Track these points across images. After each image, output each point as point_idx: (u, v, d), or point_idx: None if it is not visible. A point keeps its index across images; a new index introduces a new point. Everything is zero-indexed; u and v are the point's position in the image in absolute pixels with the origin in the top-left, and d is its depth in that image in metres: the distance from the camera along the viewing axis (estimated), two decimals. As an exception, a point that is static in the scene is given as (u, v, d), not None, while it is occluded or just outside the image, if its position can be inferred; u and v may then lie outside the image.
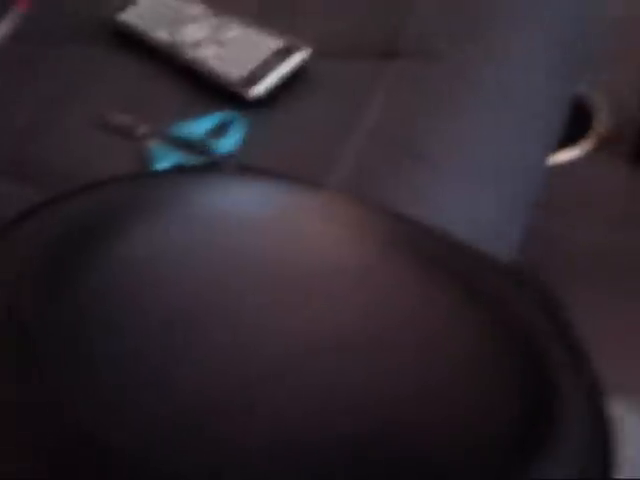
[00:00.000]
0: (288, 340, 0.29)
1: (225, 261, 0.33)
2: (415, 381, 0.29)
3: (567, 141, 1.20)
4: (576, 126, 1.23)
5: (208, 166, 0.50)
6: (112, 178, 0.37)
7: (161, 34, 0.65)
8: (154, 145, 0.58)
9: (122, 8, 0.68)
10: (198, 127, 0.58)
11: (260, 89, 0.58)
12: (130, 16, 0.68)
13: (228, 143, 0.57)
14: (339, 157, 0.54)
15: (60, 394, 0.24)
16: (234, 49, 0.62)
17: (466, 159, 0.51)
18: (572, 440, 0.28)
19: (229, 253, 0.33)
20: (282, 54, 0.60)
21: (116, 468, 0.22)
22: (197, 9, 0.66)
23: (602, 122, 1.23)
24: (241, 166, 0.38)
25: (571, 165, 1.20)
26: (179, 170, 0.40)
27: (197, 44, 0.63)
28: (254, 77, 0.59)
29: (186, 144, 0.58)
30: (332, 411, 0.27)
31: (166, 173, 0.39)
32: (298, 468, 0.25)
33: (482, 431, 0.28)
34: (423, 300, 0.33)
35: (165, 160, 0.57)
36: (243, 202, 0.36)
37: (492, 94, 0.55)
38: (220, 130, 0.58)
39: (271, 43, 0.61)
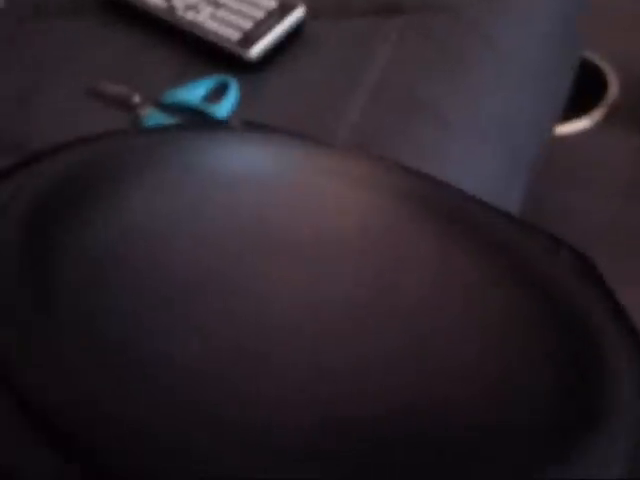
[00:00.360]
0: (295, 309, 0.28)
1: (231, 223, 0.31)
2: (444, 353, 0.27)
3: (578, 111, 1.17)
4: (587, 96, 1.20)
5: (214, 123, 0.47)
6: (109, 132, 0.35)
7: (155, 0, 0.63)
8: (148, 113, 0.57)
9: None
10: (193, 93, 0.56)
11: (256, 51, 0.56)
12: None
13: (224, 108, 0.55)
14: (341, 117, 0.52)
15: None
16: (228, 10, 0.60)
17: (474, 114, 0.49)
18: (623, 414, 0.25)
19: (236, 214, 0.32)
20: (277, 14, 0.57)
21: (115, 437, 0.21)
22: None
23: (613, 92, 1.21)
24: (248, 123, 0.36)
25: (582, 135, 1.18)
26: (183, 127, 0.38)
27: (191, 7, 0.61)
28: (249, 39, 0.57)
29: (181, 110, 0.56)
30: (354, 388, 0.26)
31: (170, 129, 0.37)
32: (315, 447, 0.23)
33: (519, 408, 0.26)
34: (445, 260, 0.31)
35: (160, 127, 0.55)
36: (250, 160, 0.34)
37: (501, 48, 0.52)
38: (216, 95, 0.56)
39: (265, 3, 0.59)
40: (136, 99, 0.58)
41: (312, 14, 0.58)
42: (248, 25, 0.58)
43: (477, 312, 0.29)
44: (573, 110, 1.19)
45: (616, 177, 1.14)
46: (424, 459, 0.24)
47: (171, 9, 0.62)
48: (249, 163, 0.34)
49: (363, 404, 0.25)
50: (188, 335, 0.26)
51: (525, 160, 0.56)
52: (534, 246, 0.33)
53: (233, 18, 0.59)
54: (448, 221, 0.33)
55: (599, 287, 0.31)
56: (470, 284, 0.30)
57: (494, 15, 0.54)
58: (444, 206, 0.34)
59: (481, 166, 0.51)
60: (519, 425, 0.25)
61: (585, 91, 1.22)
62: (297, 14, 0.57)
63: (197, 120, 0.52)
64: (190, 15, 0.61)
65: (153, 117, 0.56)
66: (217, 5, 0.60)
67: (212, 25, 0.59)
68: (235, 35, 0.57)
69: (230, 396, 0.24)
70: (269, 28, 0.57)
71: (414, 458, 0.24)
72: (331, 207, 0.33)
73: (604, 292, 0.31)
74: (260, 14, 0.58)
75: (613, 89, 1.22)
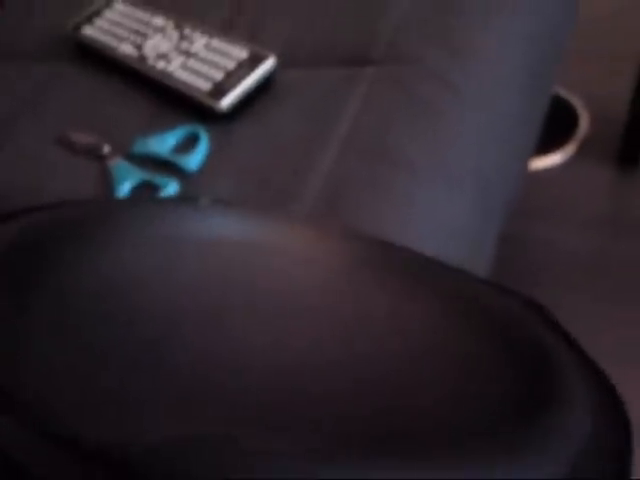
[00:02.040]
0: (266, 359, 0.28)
1: (196, 284, 0.32)
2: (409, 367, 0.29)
3: (549, 146, 1.19)
4: (558, 131, 1.22)
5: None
6: (74, 201, 0.36)
7: (125, 47, 0.63)
8: (117, 164, 0.56)
9: (85, 22, 0.66)
10: (162, 143, 0.56)
11: (227, 102, 0.56)
12: (93, 30, 0.66)
13: (195, 159, 0.55)
14: (313, 167, 0.52)
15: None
16: (199, 61, 0.59)
17: (444, 164, 0.49)
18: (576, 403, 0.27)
19: (201, 275, 0.32)
20: (248, 64, 0.57)
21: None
22: (161, 20, 0.64)
23: (584, 126, 1.23)
24: (216, 200, 0.37)
25: (554, 170, 1.19)
26: (152, 200, 0.39)
27: (162, 56, 0.61)
28: (220, 90, 0.57)
29: (150, 162, 0.56)
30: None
31: (139, 201, 0.38)
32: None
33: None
34: (401, 312, 0.33)
35: (129, 179, 0.54)
36: (213, 229, 0.35)
37: (469, 96, 0.52)
38: (186, 145, 0.56)
39: (236, 53, 0.59)
40: (105, 149, 0.57)
41: (283, 64, 0.58)
42: (219, 76, 0.57)
43: (436, 349, 0.31)
44: (545, 145, 1.21)
45: (590, 210, 1.15)
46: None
47: (142, 58, 0.62)
48: (213, 231, 0.35)
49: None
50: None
51: (497, 205, 0.57)
52: (487, 293, 0.35)
53: (204, 68, 0.59)
54: (406, 281, 0.35)
55: (550, 324, 0.33)
56: (425, 329, 0.32)
57: (460, 65, 0.54)
58: (396, 265, 0.36)
59: (452, 213, 0.51)
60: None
61: (556, 126, 1.24)
62: (268, 64, 0.57)
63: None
64: (161, 64, 0.60)
65: (122, 168, 0.55)
66: (188, 55, 0.60)
67: (183, 75, 0.59)
68: (206, 85, 0.57)
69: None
70: (240, 79, 0.57)
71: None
72: (290, 270, 0.34)
73: (556, 329, 0.33)
74: (231, 64, 0.58)
75: (584, 123, 1.24)
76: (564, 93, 1.26)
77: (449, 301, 0.34)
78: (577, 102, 1.26)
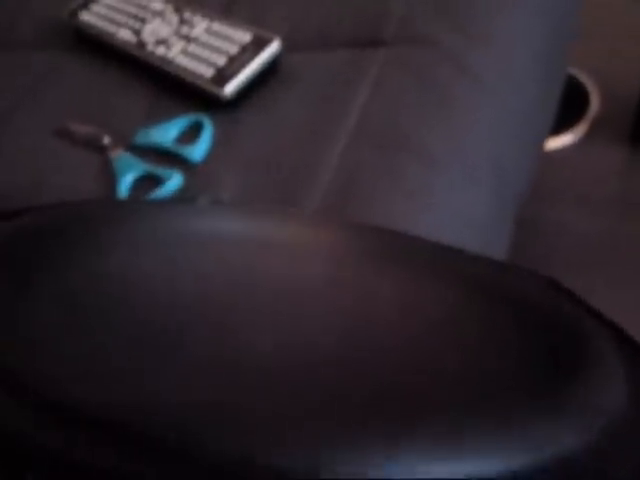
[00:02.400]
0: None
1: (201, 280, 0.31)
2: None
3: (559, 127, 1.16)
4: (568, 111, 1.19)
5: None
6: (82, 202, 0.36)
7: (123, 33, 0.61)
8: (119, 156, 0.54)
9: (81, 8, 0.64)
10: (165, 133, 0.54)
11: (231, 88, 0.54)
12: (90, 16, 0.63)
13: (199, 149, 0.52)
14: (322, 156, 0.49)
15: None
16: (201, 46, 0.57)
17: (460, 152, 0.47)
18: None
19: (205, 272, 0.32)
20: (252, 49, 0.55)
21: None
22: (159, 4, 0.62)
23: (595, 106, 1.20)
24: (215, 200, 0.37)
25: (566, 150, 1.17)
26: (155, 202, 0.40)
27: (162, 42, 0.59)
28: (224, 76, 0.54)
29: (153, 153, 0.53)
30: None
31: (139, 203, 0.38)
32: None
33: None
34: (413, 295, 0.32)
35: (131, 172, 0.52)
36: (215, 226, 0.35)
37: (486, 80, 0.50)
38: (189, 135, 0.53)
39: (239, 37, 0.56)
40: (106, 140, 0.55)
41: (288, 47, 0.55)
42: (222, 61, 0.55)
43: (451, 327, 0.30)
44: (555, 126, 1.19)
45: (602, 190, 1.13)
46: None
47: (141, 44, 0.59)
48: (211, 229, 0.34)
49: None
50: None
51: (513, 191, 0.54)
52: (507, 274, 0.34)
53: (206, 54, 0.56)
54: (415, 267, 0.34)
55: (570, 296, 0.33)
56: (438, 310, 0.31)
57: (476, 47, 0.51)
58: (403, 253, 0.35)
59: (468, 202, 0.49)
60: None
61: (566, 106, 1.22)
62: (273, 48, 0.55)
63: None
64: (161, 50, 0.58)
65: (124, 160, 0.53)
66: (189, 40, 0.58)
67: (184, 61, 0.56)
68: (208, 72, 0.55)
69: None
70: (244, 64, 0.54)
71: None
72: (290, 264, 0.34)
73: (577, 300, 0.32)
74: (234, 49, 0.55)
75: (594, 103, 1.21)
76: (574, 71, 1.23)
77: (463, 282, 0.33)
78: (587, 81, 1.23)
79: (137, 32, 0.60)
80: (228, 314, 0.29)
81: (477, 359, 0.28)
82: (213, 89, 0.54)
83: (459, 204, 0.48)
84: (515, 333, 0.29)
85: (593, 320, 0.31)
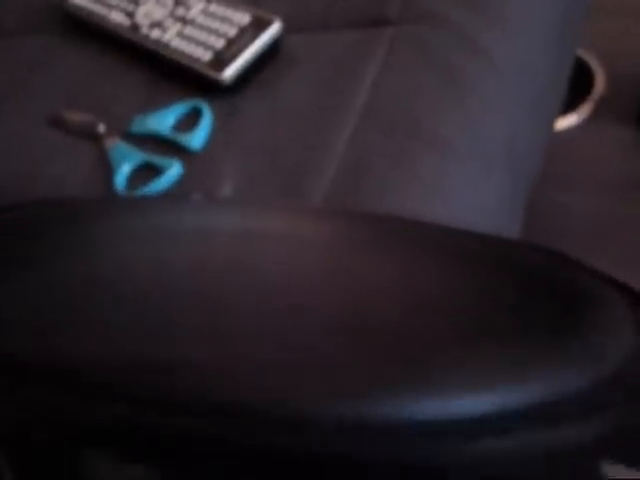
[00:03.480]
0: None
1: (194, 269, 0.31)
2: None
3: (565, 107, 1.14)
4: (573, 91, 1.17)
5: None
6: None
7: (116, 16, 0.58)
8: (115, 145, 0.51)
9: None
10: (162, 121, 0.51)
11: (230, 72, 0.51)
12: (81, -1, 0.61)
13: (198, 137, 0.50)
14: (328, 143, 0.47)
15: None
16: (198, 28, 0.55)
17: (474, 137, 0.44)
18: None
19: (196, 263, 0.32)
20: (251, 31, 0.52)
21: None
22: (154, -15, 0.59)
23: (599, 86, 1.17)
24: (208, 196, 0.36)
25: (569, 132, 1.14)
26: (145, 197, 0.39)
27: (156, 24, 0.56)
28: (222, 59, 0.52)
29: (150, 141, 0.51)
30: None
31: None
32: None
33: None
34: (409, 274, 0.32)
35: (128, 161, 0.50)
36: (205, 219, 0.35)
37: (501, 61, 0.47)
38: (187, 122, 0.51)
39: (238, 19, 0.54)
40: (101, 129, 0.53)
41: (289, 29, 0.53)
42: (220, 44, 0.53)
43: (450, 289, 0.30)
44: (560, 106, 1.16)
45: (607, 171, 1.11)
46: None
47: (134, 27, 0.57)
48: (204, 223, 0.34)
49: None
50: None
51: (526, 176, 0.52)
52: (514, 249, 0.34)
53: (203, 36, 0.54)
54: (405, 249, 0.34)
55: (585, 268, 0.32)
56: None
57: (490, 27, 0.49)
58: (401, 236, 0.35)
59: (482, 188, 0.47)
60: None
61: (572, 86, 1.19)
62: (273, 30, 0.52)
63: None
64: (155, 34, 0.55)
65: (120, 149, 0.51)
66: (185, 22, 0.55)
67: (180, 44, 0.54)
68: (206, 55, 0.52)
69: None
70: (243, 47, 0.52)
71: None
72: (285, 254, 0.33)
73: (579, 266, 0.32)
74: (232, 31, 0.53)
75: (600, 82, 1.18)
76: (579, 51, 1.20)
77: (461, 256, 0.33)
78: (593, 61, 1.21)
79: (130, 14, 0.58)
80: (217, 306, 0.28)
81: (479, 313, 0.28)
82: (211, 73, 0.51)
83: (472, 190, 0.46)
84: (516, 292, 0.29)
85: (596, 279, 0.31)
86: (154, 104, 0.53)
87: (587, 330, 0.25)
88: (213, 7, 0.56)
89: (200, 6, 0.56)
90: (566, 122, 1.15)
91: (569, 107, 1.16)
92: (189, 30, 0.55)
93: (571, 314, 0.26)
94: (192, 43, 0.54)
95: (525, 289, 0.29)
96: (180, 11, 0.57)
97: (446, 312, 0.28)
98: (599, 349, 0.24)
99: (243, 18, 0.54)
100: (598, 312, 0.27)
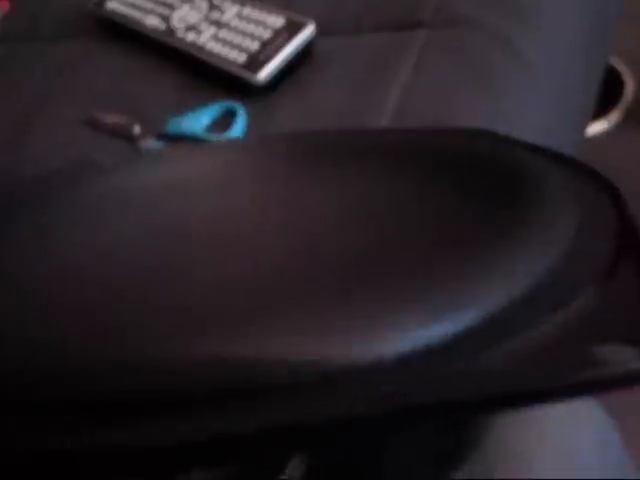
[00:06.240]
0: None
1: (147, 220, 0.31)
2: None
3: (594, 114, 1.13)
4: (602, 98, 1.16)
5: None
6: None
7: (151, 20, 0.59)
8: (150, 145, 0.52)
9: (108, -4, 0.62)
10: (197, 122, 0.52)
11: (264, 74, 0.52)
12: (116, 4, 0.62)
13: (232, 137, 0.51)
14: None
15: None
16: (232, 31, 0.55)
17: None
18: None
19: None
20: (285, 33, 0.53)
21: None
22: (189, -10, 0.60)
23: (629, 93, 1.16)
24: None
25: (597, 139, 1.13)
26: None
27: (191, 28, 0.57)
28: (256, 61, 0.52)
29: (185, 141, 0.52)
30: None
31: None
32: None
33: None
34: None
35: (163, 161, 0.51)
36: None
37: (537, 65, 0.47)
38: (222, 123, 0.52)
39: (272, 21, 0.54)
40: (136, 130, 0.54)
41: (323, 31, 0.53)
42: (254, 46, 0.53)
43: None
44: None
45: (635, 179, 1.10)
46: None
47: (170, 31, 0.58)
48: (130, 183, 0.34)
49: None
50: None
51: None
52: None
53: (238, 39, 0.54)
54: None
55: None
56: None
57: (524, 30, 0.49)
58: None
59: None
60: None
61: (601, 92, 1.18)
62: (307, 32, 0.53)
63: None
64: (191, 37, 0.56)
65: (154, 149, 0.52)
66: (219, 25, 0.56)
67: (215, 47, 0.55)
68: (241, 57, 0.53)
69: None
70: (277, 49, 0.52)
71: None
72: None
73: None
74: (267, 34, 0.54)
75: (629, 90, 1.17)
76: (610, 59, 1.19)
77: (392, 159, 0.31)
78: (622, 67, 1.20)
79: (165, 19, 0.59)
80: (165, 265, 0.27)
81: (414, 223, 0.27)
82: (246, 75, 0.52)
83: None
84: (453, 190, 0.28)
85: (543, 159, 0.29)
86: (189, 105, 0.53)
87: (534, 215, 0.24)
88: (247, 10, 0.56)
89: (234, 10, 0.57)
90: (595, 129, 1.14)
91: (598, 114, 1.15)
92: (224, 33, 0.56)
93: (506, 214, 0.25)
94: (227, 46, 0.54)
95: (462, 187, 0.28)
96: (215, 15, 0.57)
97: (397, 228, 0.26)
98: (548, 234, 0.23)
99: (277, 21, 0.54)
100: (539, 195, 0.26)
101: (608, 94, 1.17)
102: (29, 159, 0.55)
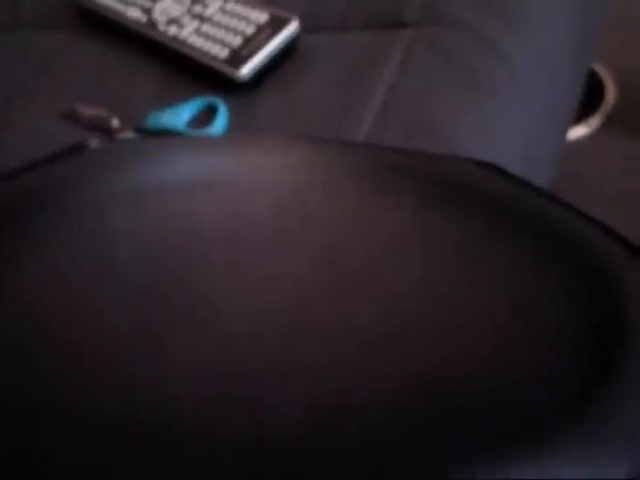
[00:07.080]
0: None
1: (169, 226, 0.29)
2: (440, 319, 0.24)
3: (575, 118, 1.14)
4: (583, 102, 1.17)
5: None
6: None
7: (133, 12, 0.58)
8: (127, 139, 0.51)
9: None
10: (177, 117, 0.51)
11: (247, 70, 0.51)
12: (97, -6, 0.61)
13: (213, 133, 0.50)
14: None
15: None
16: (215, 25, 0.54)
17: (491, 144, 0.44)
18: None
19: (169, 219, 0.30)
20: (269, 29, 0.52)
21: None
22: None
23: (610, 98, 1.17)
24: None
25: (578, 143, 1.14)
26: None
27: (173, 21, 0.56)
28: (239, 57, 0.52)
29: (165, 136, 0.51)
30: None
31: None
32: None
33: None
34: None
35: (141, 156, 0.50)
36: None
37: (521, 67, 0.47)
38: (203, 119, 0.51)
39: (255, 17, 0.54)
40: (115, 123, 0.53)
41: (307, 28, 0.53)
42: (237, 42, 0.53)
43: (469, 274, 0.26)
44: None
45: (616, 185, 1.11)
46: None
47: (151, 23, 0.57)
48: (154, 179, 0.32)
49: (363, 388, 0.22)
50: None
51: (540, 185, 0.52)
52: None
53: (220, 34, 0.54)
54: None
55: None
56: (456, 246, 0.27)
57: (509, 33, 0.49)
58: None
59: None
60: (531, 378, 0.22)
61: (581, 98, 1.19)
62: (291, 28, 0.52)
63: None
64: (172, 30, 0.55)
65: (134, 144, 0.51)
66: (202, 19, 0.55)
67: (197, 41, 0.54)
68: (223, 53, 0.52)
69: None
70: (260, 45, 0.52)
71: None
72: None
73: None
74: (250, 29, 0.53)
75: (610, 94, 1.18)
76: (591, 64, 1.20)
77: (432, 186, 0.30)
78: (603, 72, 1.21)
79: (147, 11, 0.58)
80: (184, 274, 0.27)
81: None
82: (228, 71, 0.51)
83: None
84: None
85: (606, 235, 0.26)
86: (169, 100, 0.53)
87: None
88: (230, 5, 0.56)
89: (217, 4, 0.56)
90: (576, 133, 1.15)
91: (579, 118, 1.16)
92: (206, 27, 0.55)
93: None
94: (209, 40, 0.54)
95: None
96: (197, 9, 0.57)
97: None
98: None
99: (261, 16, 0.53)
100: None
101: (589, 98, 1.18)
102: (3, 152, 0.54)
